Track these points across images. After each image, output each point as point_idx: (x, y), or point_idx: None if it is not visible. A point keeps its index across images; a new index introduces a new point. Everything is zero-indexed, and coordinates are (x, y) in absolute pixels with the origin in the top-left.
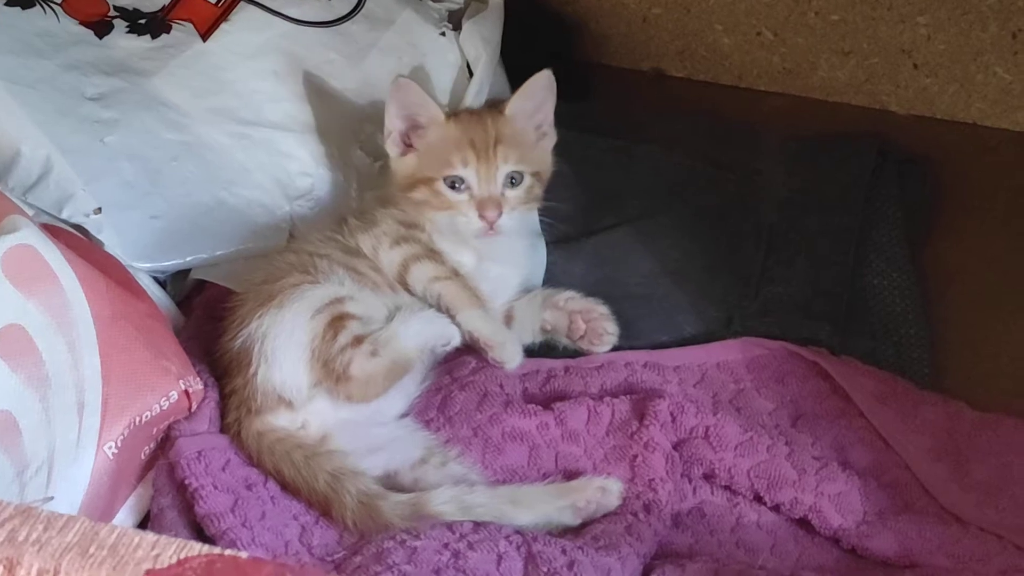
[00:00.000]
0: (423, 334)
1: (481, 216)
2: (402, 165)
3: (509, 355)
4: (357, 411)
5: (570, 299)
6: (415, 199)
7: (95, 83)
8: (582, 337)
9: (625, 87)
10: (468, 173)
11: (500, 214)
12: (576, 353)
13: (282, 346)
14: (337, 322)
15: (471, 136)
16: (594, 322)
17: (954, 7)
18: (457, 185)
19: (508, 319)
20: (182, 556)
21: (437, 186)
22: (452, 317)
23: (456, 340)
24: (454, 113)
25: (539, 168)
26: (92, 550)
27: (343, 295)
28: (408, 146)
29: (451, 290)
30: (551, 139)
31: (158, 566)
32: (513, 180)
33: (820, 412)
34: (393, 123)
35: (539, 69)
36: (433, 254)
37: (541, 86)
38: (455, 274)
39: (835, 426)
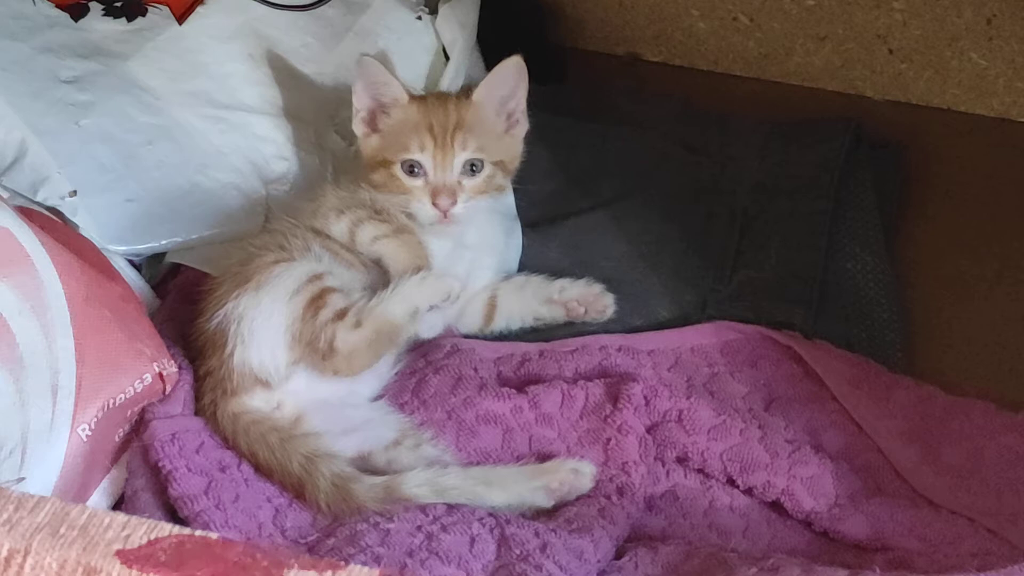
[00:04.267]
0: (414, 296)
1: (434, 204)
2: (367, 146)
3: (445, 286)
4: (332, 391)
5: (563, 289)
6: (374, 181)
7: (70, 66)
8: (583, 315)
9: (601, 71)
10: (424, 158)
11: (454, 203)
12: (550, 336)
13: (260, 327)
14: (318, 299)
15: (431, 120)
16: (593, 302)
17: None
18: (415, 170)
19: (491, 307)
20: (152, 537)
21: (394, 170)
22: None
23: (456, 290)
24: (420, 96)
25: (503, 157)
26: (63, 530)
27: (321, 271)
28: (374, 127)
29: (390, 248)
30: (523, 127)
31: (128, 546)
32: (473, 168)
33: (793, 396)
34: (360, 102)
35: (515, 53)
36: (377, 214)
37: (511, 72)
38: (401, 231)
39: (808, 410)
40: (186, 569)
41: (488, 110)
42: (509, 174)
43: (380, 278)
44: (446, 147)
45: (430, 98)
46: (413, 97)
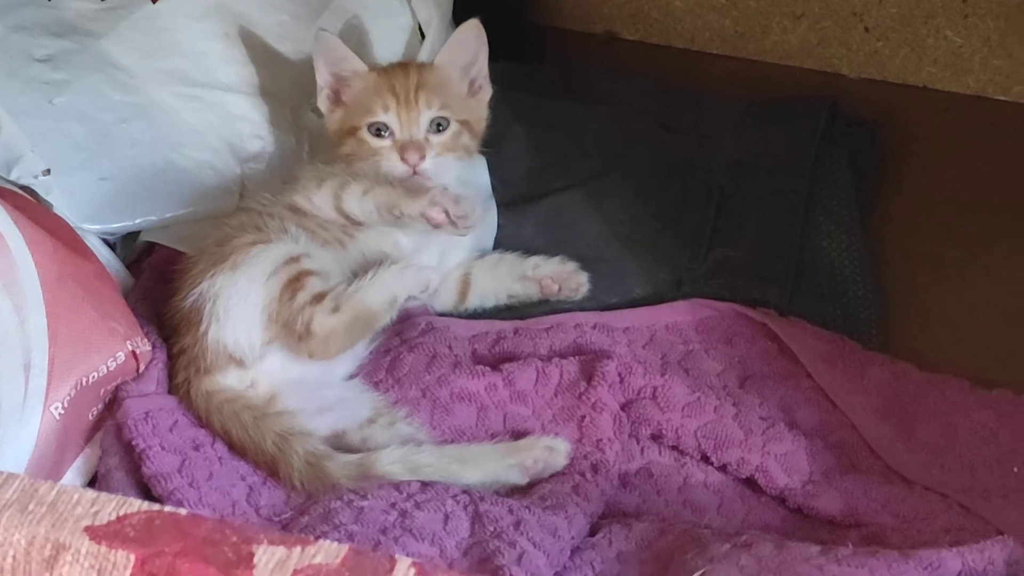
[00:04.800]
0: (392, 285)
1: (403, 159)
2: (332, 120)
3: (467, 207)
4: (307, 371)
5: (537, 266)
6: (344, 152)
7: (44, 44)
8: (557, 293)
9: (577, 50)
10: (389, 118)
11: (422, 158)
12: (524, 314)
13: (235, 307)
14: (295, 281)
15: (392, 83)
16: (567, 280)
17: None
18: (382, 132)
19: (464, 284)
20: (121, 513)
21: (361, 134)
22: (398, 217)
23: (435, 281)
24: (380, 66)
25: (468, 117)
26: (31, 507)
27: (299, 253)
28: (338, 102)
29: (382, 193)
30: (486, 92)
31: (97, 523)
32: (439, 126)
33: (768, 373)
34: (322, 78)
35: (493, 31)
36: (356, 176)
37: (471, 35)
38: (381, 181)
39: (782, 387)
40: (155, 545)
41: (451, 73)
42: (476, 136)
43: (356, 256)
44: (410, 105)
45: (390, 66)
46: (372, 67)
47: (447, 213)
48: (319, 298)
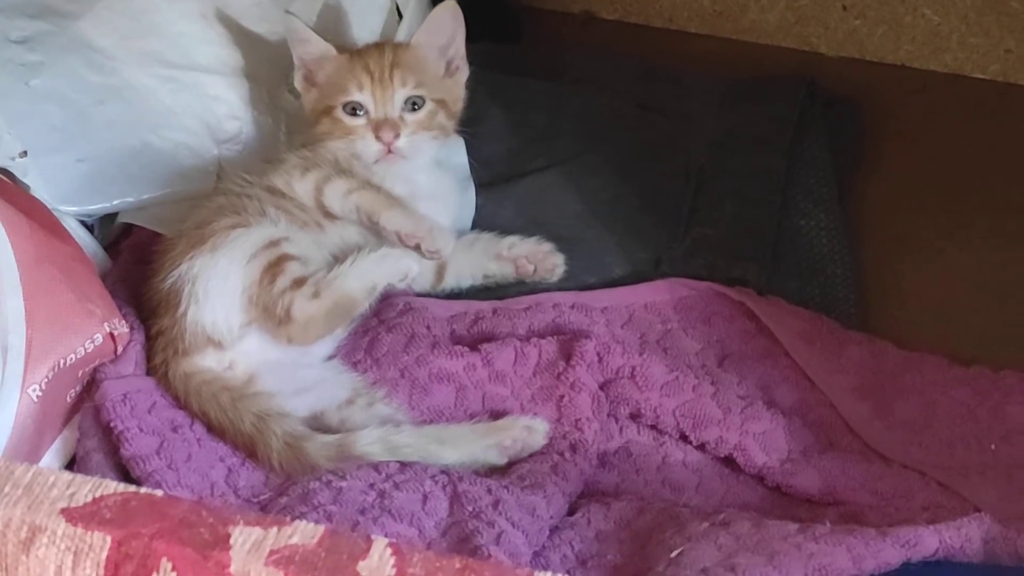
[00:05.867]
0: (373, 273)
1: (377, 137)
2: (308, 100)
3: (441, 242)
4: (285, 352)
5: (513, 246)
6: (320, 132)
7: (19, 26)
8: (532, 274)
9: (556, 30)
10: (364, 97)
11: (397, 136)
12: (503, 295)
13: (215, 288)
14: (275, 266)
15: (367, 62)
16: (543, 261)
17: None
18: (357, 111)
19: (441, 264)
20: (97, 495)
21: (336, 113)
22: (375, 224)
23: (415, 270)
24: (353, 48)
25: (444, 97)
26: (7, 489)
27: (278, 236)
28: (313, 82)
29: (366, 197)
30: (463, 72)
31: (73, 504)
32: (415, 105)
33: (746, 352)
34: (297, 59)
35: (471, 12)
36: (343, 172)
37: (448, 15)
38: (368, 184)
39: (761, 365)
40: (131, 526)
41: (427, 53)
42: (452, 116)
43: (336, 239)
44: (384, 83)
45: (365, 47)
46: (345, 49)
47: (419, 245)
48: (299, 283)
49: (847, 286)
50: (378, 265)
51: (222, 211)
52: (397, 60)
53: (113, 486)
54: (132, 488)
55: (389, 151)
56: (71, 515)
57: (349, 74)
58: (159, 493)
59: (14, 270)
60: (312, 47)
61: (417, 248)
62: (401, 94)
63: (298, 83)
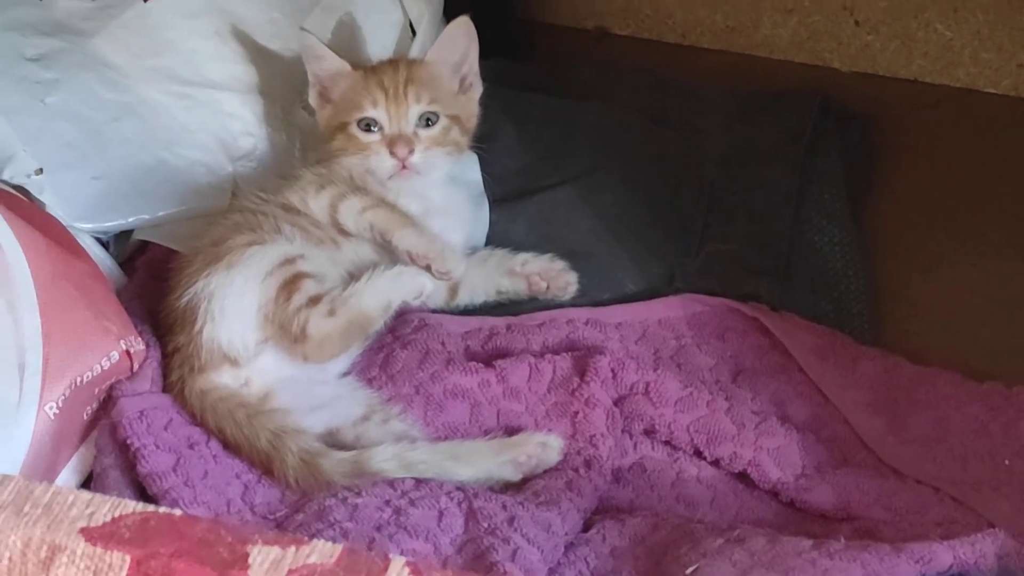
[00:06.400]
0: (388, 291)
1: (392, 153)
2: (323, 116)
3: (452, 263)
4: (300, 369)
5: (526, 262)
6: (334, 148)
7: (35, 44)
8: (545, 291)
9: (569, 45)
10: (378, 113)
11: (411, 151)
12: (517, 311)
13: (231, 306)
14: (291, 284)
15: (381, 78)
16: (555, 278)
17: None
18: (371, 127)
19: (454, 281)
20: (116, 514)
21: (351, 130)
22: (388, 242)
23: (429, 288)
24: (367, 65)
25: (458, 113)
26: (27, 508)
27: (294, 254)
28: (327, 99)
29: (380, 215)
30: (477, 89)
31: (92, 524)
32: (429, 121)
33: (760, 367)
34: (311, 76)
35: (483, 28)
36: (358, 190)
37: (461, 32)
38: (382, 202)
39: (774, 381)
40: (150, 546)
41: (441, 69)
42: (466, 132)
43: (351, 256)
44: (399, 99)
45: (379, 64)
46: (360, 66)
47: (430, 266)
48: (315, 301)
49: (860, 301)
50: (393, 283)
51: (238, 228)
52: (411, 76)
53: (132, 505)
54: (151, 507)
55: (403, 167)
56: (90, 534)
57: (363, 90)
58: (178, 512)
59: (31, 288)
60: (327, 64)
61: (428, 268)
62: (415, 110)
63: (313, 100)
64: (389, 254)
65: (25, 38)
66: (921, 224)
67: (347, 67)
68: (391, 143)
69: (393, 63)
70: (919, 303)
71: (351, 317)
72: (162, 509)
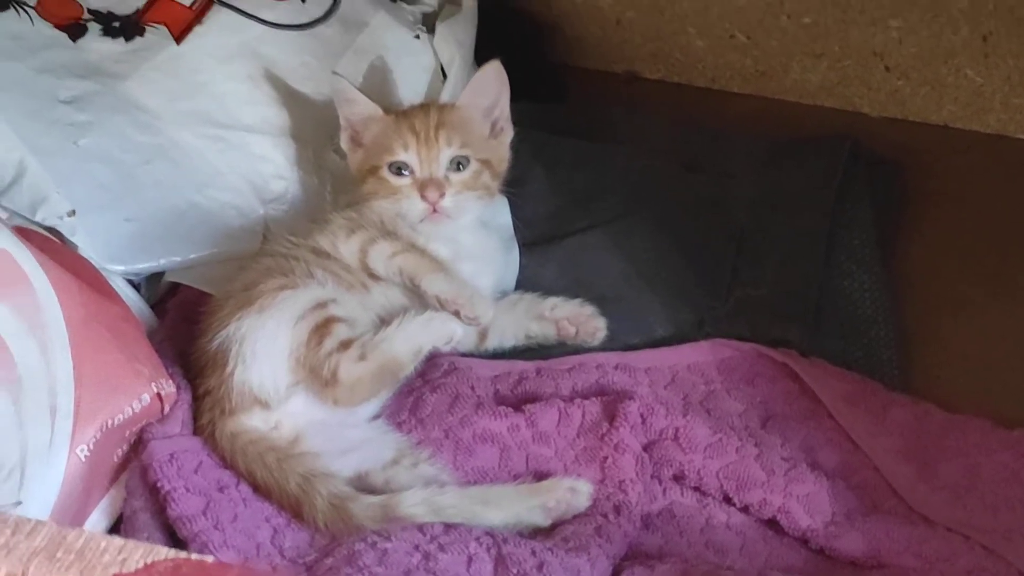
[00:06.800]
0: (419, 337)
1: (423, 197)
2: (354, 160)
3: (481, 309)
4: (330, 413)
5: (555, 307)
6: (366, 191)
7: (68, 86)
8: (574, 336)
9: (599, 89)
10: (409, 157)
11: (442, 195)
12: (547, 355)
13: (262, 350)
14: (322, 328)
15: (412, 122)
16: (584, 323)
17: (925, 10)
18: (402, 170)
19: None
20: (149, 561)
21: (382, 173)
22: (417, 287)
23: (459, 335)
24: (399, 109)
25: (489, 157)
26: (60, 554)
27: (326, 298)
28: (359, 142)
29: (410, 260)
30: (508, 133)
31: (125, 570)
32: (460, 165)
33: (789, 413)
34: (343, 120)
35: (513, 71)
36: (388, 235)
37: (492, 76)
38: (412, 247)
39: (804, 427)
40: None
41: (472, 113)
42: (497, 176)
43: (381, 300)
44: (430, 143)
45: (411, 108)
46: (391, 109)
47: (459, 311)
48: (345, 345)
49: (890, 347)
50: (424, 329)
51: (270, 273)
52: (443, 120)
53: (164, 552)
54: (183, 554)
55: (434, 210)
56: None
57: (395, 134)
58: (210, 559)
59: (63, 331)
60: (359, 107)
61: (457, 314)
62: (446, 154)
63: (344, 143)
64: (419, 298)
65: (59, 80)
66: (951, 270)
67: (379, 111)
68: (422, 187)
69: (424, 107)
70: (949, 349)
71: (382, 362)
72: (194, 556)
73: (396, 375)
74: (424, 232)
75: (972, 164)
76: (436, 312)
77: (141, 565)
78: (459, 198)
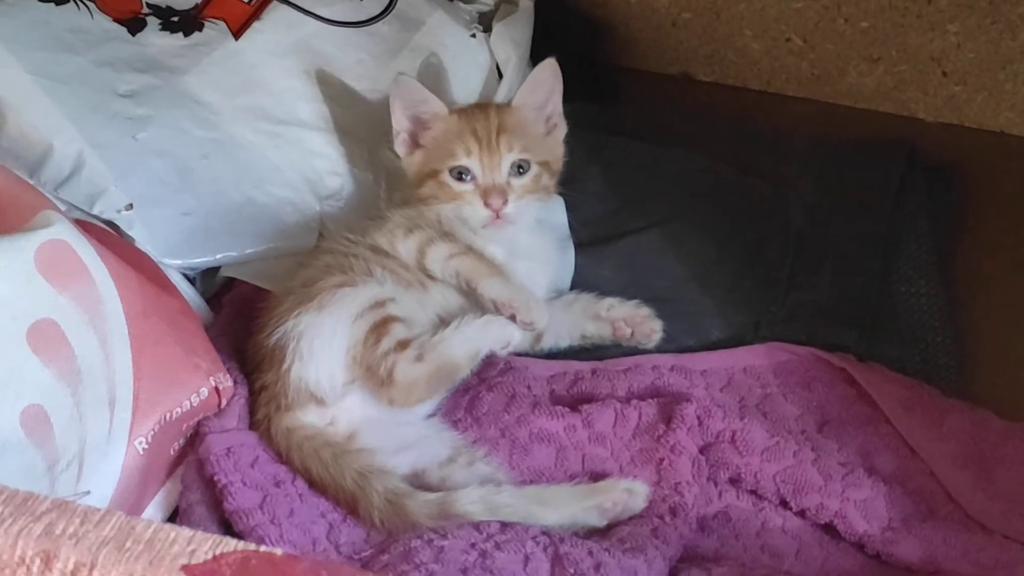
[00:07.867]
0: (476, 340)
1: (486, 204)
2: (411, 163)
3: (536, 314)
4: (386, 410)
5: (611, 307)
6: (423, 195)
7: (127, 80)
8: (629, 338)
9: (654, 91)
10: (472, 163)
11: (505, 202)
12: (603, 355)
13: (320, 346)
14: (380, 327)
15: (474, 126)
16: (640, 325)
17: (984, 15)
18: (464, 176)
19: None
20: (217, 552)
21: (443, 178)
22: (473, 290)
23: (516, 339)
24: (459, 107)
25: (547, 158)
26: (129, 544)
27: (384, 297)
28: (416, 144)
29: (467, 263)
30: (561, 129)
31: (194, 561)
32: (520, 169)
33: (846, 418)
34: (399, 122)
35: (569, 72)
36: (446, 235)
37: (547, 74)
38: (469, 250)
39: (861, 432)
40: None
41: (528, 113)
42: (554, 175)
43: (439, 299)
44: (492, 149)
45: (469, 108)
46: (452, 109)
47: (515, 315)
48: (403, 345)
49: (948, 354)
50: (481, 332)
51: (329, 270)
52: (503, 124)
53: (233, 544)
54: (252, 546)
55: (497, 216)
56: (192, 572)
57: (456, 138)
58: (279, 552)
59: (123, 323)
60: (426, 106)
61: (512, 318)
62: (508, 159)
63: (399, 147)
64: (475, 299)
65: (118, 74)
66: (1009, 276)
67: (445, 109)
68: (485, 194)
69: (484, 108)
70: (1007, 355)
71: (439, 364)
72: (263, 548)
73: (452, 377)
74: (483, 235)
75: None
76: (494, 316)
77: (210, 556)
78: (520, 203)
